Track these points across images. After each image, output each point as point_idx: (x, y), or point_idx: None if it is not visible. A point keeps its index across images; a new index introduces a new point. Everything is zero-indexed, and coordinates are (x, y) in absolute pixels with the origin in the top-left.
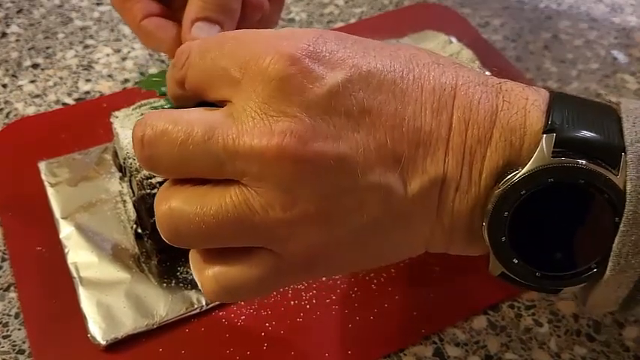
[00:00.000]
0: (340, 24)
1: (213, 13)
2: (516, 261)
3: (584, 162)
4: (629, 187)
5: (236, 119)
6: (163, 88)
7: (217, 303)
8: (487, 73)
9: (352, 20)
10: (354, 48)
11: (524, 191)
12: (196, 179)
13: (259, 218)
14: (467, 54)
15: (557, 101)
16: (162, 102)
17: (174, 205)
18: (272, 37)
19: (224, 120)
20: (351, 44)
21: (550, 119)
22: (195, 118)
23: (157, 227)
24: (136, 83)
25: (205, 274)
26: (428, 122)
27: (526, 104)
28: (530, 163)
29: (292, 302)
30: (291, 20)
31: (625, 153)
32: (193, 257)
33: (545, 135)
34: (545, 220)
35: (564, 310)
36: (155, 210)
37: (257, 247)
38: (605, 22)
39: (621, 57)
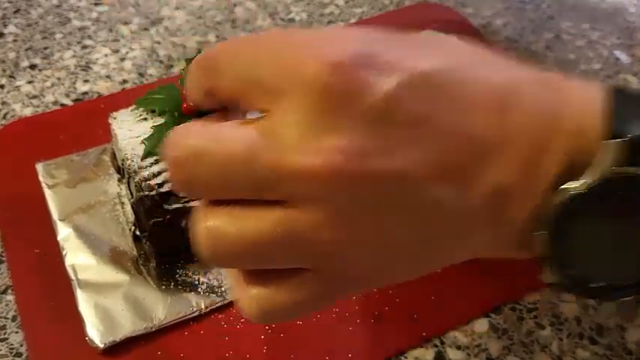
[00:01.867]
0: (340, 24)
1: None
2: (572, 272)
3: None
4: None
5: (279, 135)
6: (162, 106)
7: (216, 305)
8: None
9: (352, 20)
10: (402, 48)
11: (585, 201)
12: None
13: (306, 240)
14: None
15: (622, 100)
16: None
17: (214, 224)
18: (313, 41)
19: (266, 136)
20: (399, 43)
21: (615, 123)
22: (235, 135)
23: (194, 249)
24: (135, 102)
25: (247, 295)
26: (486, 129)
27: (589, 106)
28: (593, 171)
29: None
30: (291, 20)
31: None
32: (233, 276)
33: (609, 141)
34: (606, 230)
35: (567, 313)
36: (193, 230)
37: (302, 269)
38: (607, 22)
39: (624, 57)
